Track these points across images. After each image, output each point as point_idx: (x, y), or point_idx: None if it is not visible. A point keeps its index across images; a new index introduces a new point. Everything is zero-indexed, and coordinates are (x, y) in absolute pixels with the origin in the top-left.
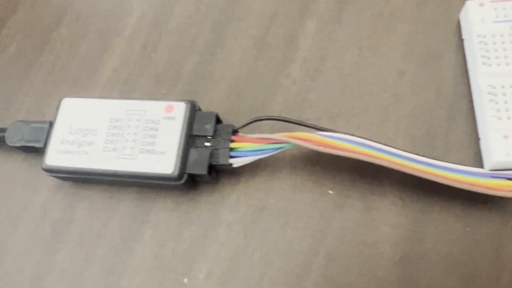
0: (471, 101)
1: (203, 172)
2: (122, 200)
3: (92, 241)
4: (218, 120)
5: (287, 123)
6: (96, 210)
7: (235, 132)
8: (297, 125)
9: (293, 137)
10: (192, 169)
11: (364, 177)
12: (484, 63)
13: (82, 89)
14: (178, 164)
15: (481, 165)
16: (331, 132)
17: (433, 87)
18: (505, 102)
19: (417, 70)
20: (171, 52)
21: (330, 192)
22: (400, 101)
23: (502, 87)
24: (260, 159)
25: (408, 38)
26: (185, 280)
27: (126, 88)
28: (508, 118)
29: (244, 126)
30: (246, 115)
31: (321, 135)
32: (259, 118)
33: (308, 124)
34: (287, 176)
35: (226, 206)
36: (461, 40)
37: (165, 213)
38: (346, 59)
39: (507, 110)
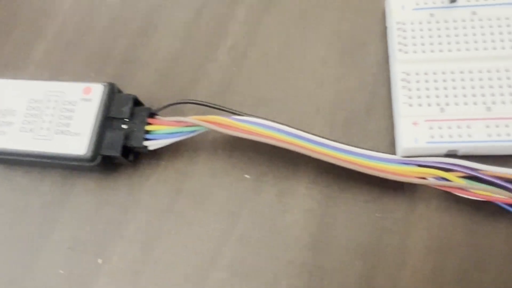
0: (390, 89)
1: (116, 154)
2: (44, 181)
3: (13, 222)
4: (138, 103)
5: (213, 108)
6: (18, 191)
7: (152, 115)
8: (217, 110)
9: (205, 121)
10: (106, 151)
11: (281, 162)
12: (400, 50)
13: (14, 72)
14: (92, 145)
15: (395, 152)
16: (245, 116)
17: (355, 75)
18: (418, 89)
19: (341, 57)
20: (102, 36)
21: (247, 176)
22: (322, 89)
23: (417, 74)
24: (181, 143)
25: (335, 26)
26: (100, 260)
27: (56, 71)
28: (419, 105)
29: (161, 109)
30: (172, 99)
31: (234, 119)
32: (176, 102)
33: (225, 108)
34: (206, 160)
35: (145, 188)
36: (385, 28)
37: (85, 194)
38: (273, 46)
39: (419, 97)
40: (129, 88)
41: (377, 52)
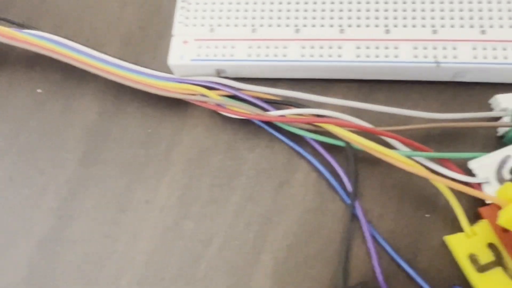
0: None
1: None
2: None
3: None
4: None
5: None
6: None
7: None
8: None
9: None
10: None
11: (72, 78)
12: None
13: None
14: None
15: None
16: (30, 30)
17: None
18: (196, 11)
19: None
20: None
21: (39, 90)
22: (124, 10)
23: None
24: None
25: None
26: None
27: None
28: (194, 25)
29: None
30: None
31: (18, 31)
32: None
33: (11, 20)
34: (6, 74)
35: None
36: None
37: None
38: None
39: (195, 18)
40: None
41: None
